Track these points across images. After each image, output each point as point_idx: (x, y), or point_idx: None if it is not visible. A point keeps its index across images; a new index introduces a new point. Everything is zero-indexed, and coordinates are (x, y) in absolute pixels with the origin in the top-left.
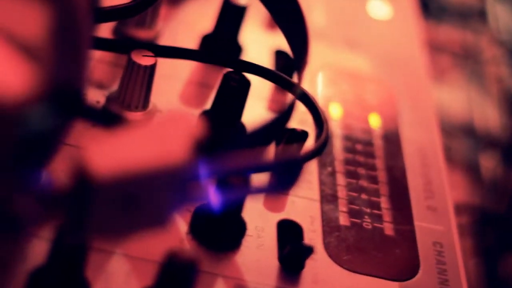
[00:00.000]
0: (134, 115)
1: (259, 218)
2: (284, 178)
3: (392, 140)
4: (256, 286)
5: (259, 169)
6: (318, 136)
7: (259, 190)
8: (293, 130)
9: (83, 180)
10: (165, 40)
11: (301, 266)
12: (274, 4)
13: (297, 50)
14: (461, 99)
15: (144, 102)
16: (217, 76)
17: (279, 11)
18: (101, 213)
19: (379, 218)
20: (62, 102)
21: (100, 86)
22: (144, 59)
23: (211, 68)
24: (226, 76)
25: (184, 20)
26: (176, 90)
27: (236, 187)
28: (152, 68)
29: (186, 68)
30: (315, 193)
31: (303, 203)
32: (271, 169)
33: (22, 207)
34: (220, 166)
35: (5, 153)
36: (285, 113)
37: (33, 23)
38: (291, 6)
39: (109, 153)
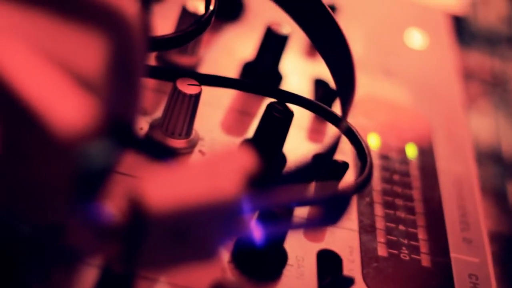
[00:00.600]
0: (177, 143)
1: (300, 248)
2: (331, 211)
3: (428, 171)
4: None
5: (308, 202)
6: (362, 169)
7: (306, 224)
8: (335, 161)
9: (137, 211)
10: (207, 66)
11: None
12: (317, 34)
13: (341, 83)
14: (489, 126)
15: (187, 130)
16: (257, 104)
17: (322, 42)
18: (151, 243)
19: (416, 249)
20: (117, 133)
21: (143, 112)
22: (189, 88)
23: (252, 96)
24: (270, 107)
25: (226, 46)
26: (217, 118)
27: (281, 220)
28: (197, 97)
29: (227, 95)
30: (354, 224)
31: (342, 234)
32: (320, 203)
33: (77, 238)
34: (267, 198)
35: (63, 185)
36: (331, 148)
37: (91, 55)
38: (335, 36)
39: (162, 185)
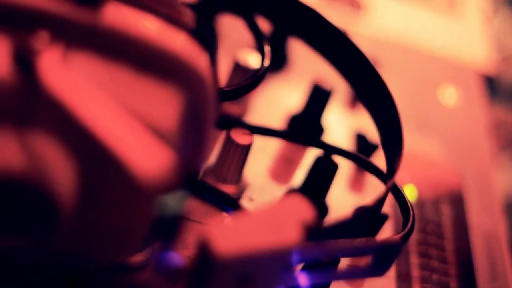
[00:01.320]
0: (228, 188)
1: None
2: (379, 261)
3: (459, 222)
4: None
5: (361, 251)
6: (405, 223)
7: (354, 274)
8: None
9: (204, 256)
10: (254, 116)
11: None
12: (363, 90)
13: (387, 140)
14: (510, 179)
15: (238, 177)
16: (302, 153)
17: (368, 98)
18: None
19: None
20: (187, 182)
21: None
22: (242, 138)
23: (297, 146)
24: (318, 160)
25: (273, 98)
26: (265, 165)
27: (329, 269)
28: (248, 147)
29: (275, 144)
30: (391, 271)
31: (381, 281)
32: (372, 252)
33: (147, 279)
34: (322, 248)
35: (140, 232)
36: (378, 203)
37: (167, 109)
38: (381, 93)
39: (227, 233)
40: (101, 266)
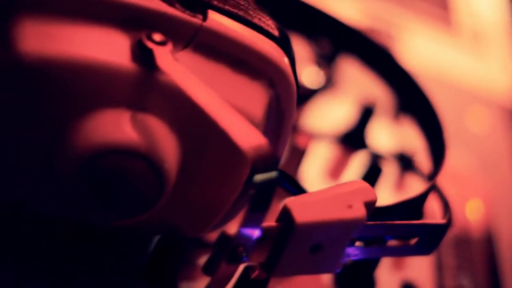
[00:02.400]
0: None
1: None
2: (427, 241)
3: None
4: None
5: (413, 231)
6: (445, 214)
7: (405, 251)
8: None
9: (286, 224)
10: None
11: None
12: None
13: (433, 145)
14: None
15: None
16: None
17: (416, 113)
18: (292, 251)
19: None
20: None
21: None
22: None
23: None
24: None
25: (319, 113)
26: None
27: (380, 247)
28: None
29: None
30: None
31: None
32: (422, 232)
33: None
34: (383, 226)
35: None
36: (422, 196)
37: (257, 103)
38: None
39: (306, 206)
40: (184, 240)
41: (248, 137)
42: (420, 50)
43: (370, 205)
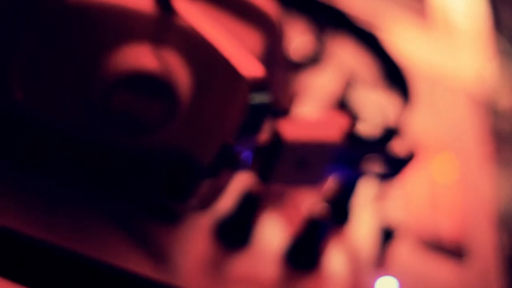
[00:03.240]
0: None
1: None
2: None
3: None
4: None
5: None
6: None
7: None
8: None
9: (276, 141)
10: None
11: None
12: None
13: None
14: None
15: None
16: None
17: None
18: (282, 165)
19: None
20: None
21: None
22: None
23: None
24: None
25: (311, 86)
26: None
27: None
28: None
29: None
30: None
31: None
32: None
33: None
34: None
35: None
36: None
37: (253, 41)
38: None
39: (294, 127)
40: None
41: (248, 65)
42: (396, 39)
43: (347, 133)
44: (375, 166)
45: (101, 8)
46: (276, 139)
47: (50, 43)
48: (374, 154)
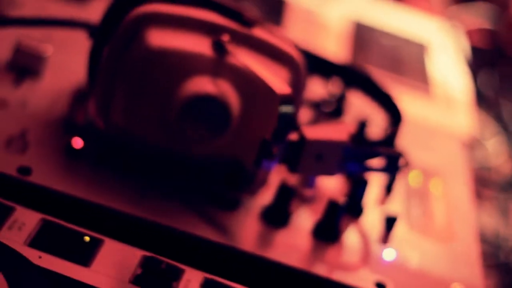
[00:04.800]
0: None
1: None
2: (389, 167)
3: None
4: None
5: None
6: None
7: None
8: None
9: (300, 140)
10: None
11: None
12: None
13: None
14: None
15: None
16: None
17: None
18: (305, 159)
19: None
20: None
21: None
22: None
23: None
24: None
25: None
26: None
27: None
28: None
29: None
30: None
31: None
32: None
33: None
34: (358, 148)
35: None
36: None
37: (282, 76)
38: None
39: (314, 130)
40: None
41: (279, 86)
42: (405, 106)
43: (353, 136)
44: (378, 163)
45: (175, 52)
46: (300, 138)
47: (141, 80)
48: (376, 153)
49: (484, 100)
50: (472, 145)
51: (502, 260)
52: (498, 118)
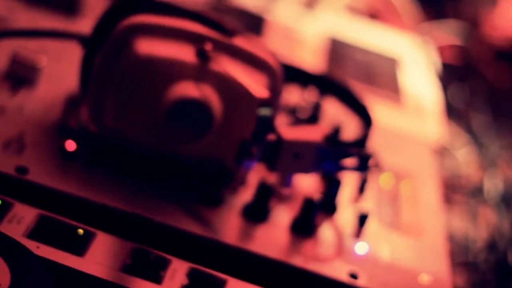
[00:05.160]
0: None
1: None
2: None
3: None
4: None
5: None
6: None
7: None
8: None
9: (277, 141)
10: None
11: None
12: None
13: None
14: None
15: None
16: None
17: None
18: (283, 158)
19: None
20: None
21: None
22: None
23: None
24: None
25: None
26: None
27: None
28: None
29: None
30: None
31: None
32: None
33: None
34: (332, 148)
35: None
36: (363, 138)
37: (260, 81)
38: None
39: (290, 131)
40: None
41: (258, 90)
42: (380, 118)
43: (327, 137)
44: (350, 163)
45: (162, 60)
46: (278, 138)
47: (131, 85)
48: (348, 154)
49: (455, 113)
50: (442, 152)
51: (470, 259)
52: (469, 130)
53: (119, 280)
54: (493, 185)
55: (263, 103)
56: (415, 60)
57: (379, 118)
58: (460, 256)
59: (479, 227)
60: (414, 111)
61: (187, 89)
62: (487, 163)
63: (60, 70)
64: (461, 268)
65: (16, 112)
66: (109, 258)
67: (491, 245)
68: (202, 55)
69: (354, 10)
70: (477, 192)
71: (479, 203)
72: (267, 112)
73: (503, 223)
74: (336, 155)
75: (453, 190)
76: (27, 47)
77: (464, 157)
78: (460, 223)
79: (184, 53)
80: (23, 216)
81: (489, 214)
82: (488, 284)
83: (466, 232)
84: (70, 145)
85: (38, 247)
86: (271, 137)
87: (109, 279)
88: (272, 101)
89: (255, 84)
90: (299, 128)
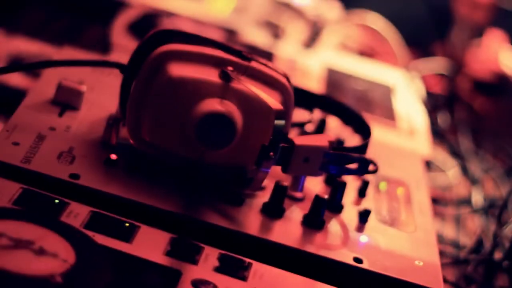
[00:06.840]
0: None
1: None
2: (360, 168)
3: None
4: None
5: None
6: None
7: (351, 171)
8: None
9: (291, 145)
10: None
11: None
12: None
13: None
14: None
15: None
16: None
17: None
18: (294, 161)
19: None
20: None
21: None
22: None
23: None
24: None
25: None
26: None
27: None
28: None
29: None
30: None
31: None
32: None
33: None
34: (337, 154)
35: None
36: (363, 147)
37: (276, 98)
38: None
39: (301, 139)
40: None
41: (274, 103)
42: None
43: (332, 143)
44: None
45: (191, 80)
46: (291, 144)
47: (164, 103)
48: (351, 158)
49: (443, 136)
50: (432, 168)
51: (461, 258)
52: (456, 152)
53: (162, 261)
54: (479, 197)
55: (279, 114)
56: (406, 91)
57: (375, 136)
58: (449, 256)
59: (466, 232)
60: (406, 131)
61: (213, 105)
62: (472, 180)
63: (97, 96)
64: (451, 266)
65: (64, 131)
66: (153, 245)
67: (478, 246)
68: (225, 76)
69: (350, 49)
70: (465, 202)
71: (466, 213)
72: (282, 122)
73: (489, 228)
74: (341, 160)
75: (443, 203)
76: (70, 78)
77: (452, 175)
78: (450, 230)
79: (210, 74)
80: (78, 212)
81: (476, 221)
82: (476, 279)
83: (455, 237)
84: (113, 157)
85: (94, 235)
86: (285, 143)
87: (155, 260)
88: (286, 113)
89: (271, 99)
90: (308, 136)
